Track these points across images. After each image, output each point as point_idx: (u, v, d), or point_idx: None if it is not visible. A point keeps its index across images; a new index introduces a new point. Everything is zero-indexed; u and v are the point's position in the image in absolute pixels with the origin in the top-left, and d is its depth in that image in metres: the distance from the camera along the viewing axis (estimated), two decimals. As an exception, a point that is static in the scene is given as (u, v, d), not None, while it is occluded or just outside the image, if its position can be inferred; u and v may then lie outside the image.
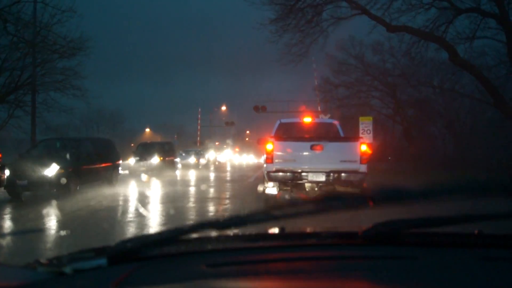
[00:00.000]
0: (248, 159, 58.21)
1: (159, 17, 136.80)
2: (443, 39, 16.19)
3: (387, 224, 1.61)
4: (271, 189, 10.43)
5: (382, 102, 31.21)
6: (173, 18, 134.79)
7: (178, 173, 26.82)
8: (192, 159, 34.31)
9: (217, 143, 50.61)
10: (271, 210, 1.55)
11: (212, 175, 25.50)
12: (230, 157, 51.17)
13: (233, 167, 39.24)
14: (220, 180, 21.44)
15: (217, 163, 42.64)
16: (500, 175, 17.65)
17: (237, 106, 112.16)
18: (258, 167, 35.43)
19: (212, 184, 19.24)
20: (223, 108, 60.44)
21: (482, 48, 20.45)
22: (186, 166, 32.06)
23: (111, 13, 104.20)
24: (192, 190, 16.74)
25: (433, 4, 16.28)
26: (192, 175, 25.54)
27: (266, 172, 10.27)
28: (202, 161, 37.56)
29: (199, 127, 54.15)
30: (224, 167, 38.41)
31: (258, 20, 16.88)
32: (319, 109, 31.84)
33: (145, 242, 1.55)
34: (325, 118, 22.70)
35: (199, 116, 54.50)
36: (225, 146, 49.36)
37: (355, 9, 16.12)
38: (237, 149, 61.91)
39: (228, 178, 22.71)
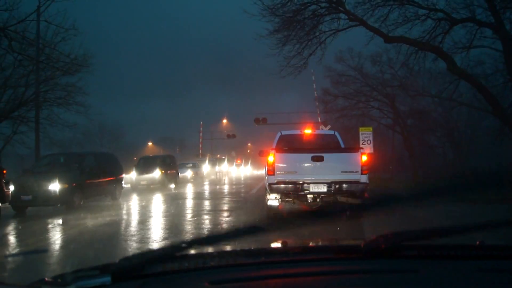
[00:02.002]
0: (248, 171, 58.32)
1: (159, 33, 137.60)
2: (439, 48, 16.32)
3: (388, 237, 1.62)
4: (273, 200, 10.51)
5: (381, 112, 31.34)
6: (173, 35, 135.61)
7: (179, 186, 26.83)
8: (189, 172, 34.36)
9: (218, 156, 50.64)
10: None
11: (209, 188, 25.50)
12: (230, 169, 51.10)
13: (231, 179, 39.21)
14: (217, 194, 21.47)
15: (217, 175, 42.59)
16: (500, 182, 17.71)
17: (238, 118, 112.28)
18: (257, 178, 35.49)
19: (210, 197, 19.27)
20: (224, 121, 60.80)
21: (479, 57, 20.63)
22: (184, 179, 32.08)
23: (113, 29, 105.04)
24: (191, 202, 16.81)
25: (428, 15, 16.42)
26: (190, 188, 25.58)
27: (268, 184, 10.33)
28: (200, 173, 37.56)
29: (200, 140, 54.33)
30: (222, 179, 38.41)
31: (258, 32, 17.03)
32: (319, 120, 32.01)
33: (148, 259, 1.57)
34: (326, 129, 22.85)
35: (201, 129, 54.71)
36: (223, 157, 49.20)
37: (353, 20, 16.29)
38: (238, 161, 61.92)
39: (225, 192, 22.71)
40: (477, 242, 1.70)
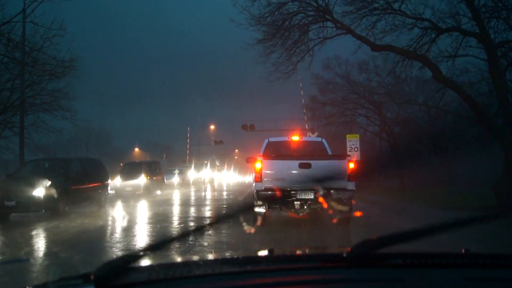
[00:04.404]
0: (235, 177, 58.20)
1: (147, 41, 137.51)
2: (425, 57, 16.49)
3: (372, 243, 1.61)
4: (260, 207, 10.48)
5: (368, 120, 31.59)
6: (161, 42, 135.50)
7: (164, 192, 26.62)
8: (175, 178, 34.13)
9: (206, 162, 50.46)
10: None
11: (195, 194, 25.38)
12: (213, 175, 50.99)
13: (217, 186, 39.09)
14: (203, 200, 21.41)
15: (203, 181, 42.38)
16: (486, 190, 17.92)
17: (226, 125, 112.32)
18: (244, 185, 35.40)
19: (197, 203, 19.20)
20: (212, 127, 60.74)
21: (465, 65, 20.88)
22: (170, 185, 31.86)
23: (102, 36, 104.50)
24: (177, 209, 16.72)
25: (415, 24, 16.63)
26: (176, 194, 25.43)
27: (255, 190, 10.29)
28: (186, 179, 37.37)
29: (188, 146, 54.20)
30: (206, 185, 38.26)
31: (245, 41, 17.04)
32: (306, 127, 32.08)
33: (132, 265, 1.54)
34: (313, 136, 22.90)
35: (188, 135, 54.59)
36: (205, 162, 48.88)
37: (340, 29, 16.40)
38: (225, 167, 61.85)
39: (212, 198, 22.62)
40: (463, 250, 1.71)
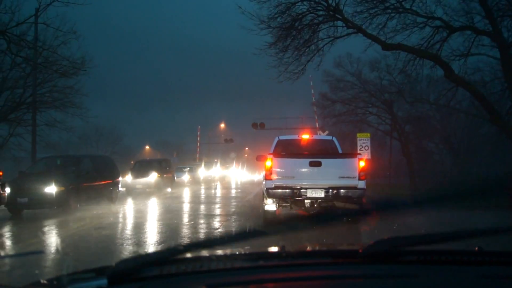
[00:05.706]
0: (245, 175, 58.17)
1: (160, 40, 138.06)
2: (437, 56, 16.37)
3: (387, 242, 1.61)
4: (270, 205, 10.50)
5: (379, 118, 31.38)
6: (175, 42, 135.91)
7: (175, 190, 26.69)
8: (186, 176, 34.24)
9: (216, 160, 50.50)
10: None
11: (205, 192, 25.41)
12: (224, 172, 50.87)
13: (227, 183, 39.13)
14: (213, 198, 21.46)
15: (214, 179, 42.40)
16: (498, 189, 17.72)
17: (236, 123, 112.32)
18: (254, 183, 35.41)
19: (207, 201, 19.26)
20: (222, 125, 60.72)
21: (477, 64, 20.70)
22: (180, 183, 31.96)
23: (113, 33, 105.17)
24: (187, 206, 16.78)
25: (427, 23, 16.51)
26: (186, 192, 25.50)
27: (265, 188, 10.30)
28: (196, 177, 37.44)
29: (198, 144, 54.24)
30: (216, 183, 38.32)
31: (257, 45, 16.97)
32: (317, 125, 31.99)
33: (145, 262, 1.56)
34: (323, 135, 22.85)
35: (199, 133, 54.63)
36: (215, 160, 48.74)
37: (350, 28, 16.35)
38: (236, 165, 61.80)
39: (222, 196, 22.65)
40: (476, 248, 1.70)
